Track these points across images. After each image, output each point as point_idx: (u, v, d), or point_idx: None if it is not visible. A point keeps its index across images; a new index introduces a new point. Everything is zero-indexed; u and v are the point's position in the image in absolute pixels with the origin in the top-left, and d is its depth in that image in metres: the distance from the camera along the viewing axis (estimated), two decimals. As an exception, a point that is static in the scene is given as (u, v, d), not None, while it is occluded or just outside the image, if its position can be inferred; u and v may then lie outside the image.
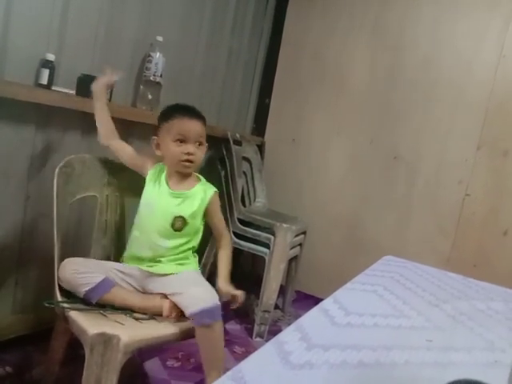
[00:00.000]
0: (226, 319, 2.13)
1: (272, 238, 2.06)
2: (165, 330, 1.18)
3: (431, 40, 2.29)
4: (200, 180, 1.42)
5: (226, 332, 2.01)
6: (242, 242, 2.13)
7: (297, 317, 0.80)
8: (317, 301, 0.88)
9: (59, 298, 1.20)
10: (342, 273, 2.46)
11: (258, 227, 2.13)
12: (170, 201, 1.34)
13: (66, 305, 1.18)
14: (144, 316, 1.21)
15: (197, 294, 1.20)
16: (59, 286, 1.21)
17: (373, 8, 2.43)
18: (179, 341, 1.22)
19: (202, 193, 1.37)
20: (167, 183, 1.36)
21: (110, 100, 1.63)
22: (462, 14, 2.23)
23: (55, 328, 1.27)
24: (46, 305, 1.18)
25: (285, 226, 2.06)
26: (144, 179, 1.40)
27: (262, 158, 2.66)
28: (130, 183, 1.48)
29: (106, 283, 1.22)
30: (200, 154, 1.35)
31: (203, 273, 1.43)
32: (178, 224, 1.33)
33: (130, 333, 1.09)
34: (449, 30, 2.25)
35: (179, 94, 2.10)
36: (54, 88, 1.47)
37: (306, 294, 2.57)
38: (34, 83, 1.46)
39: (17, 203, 1.49)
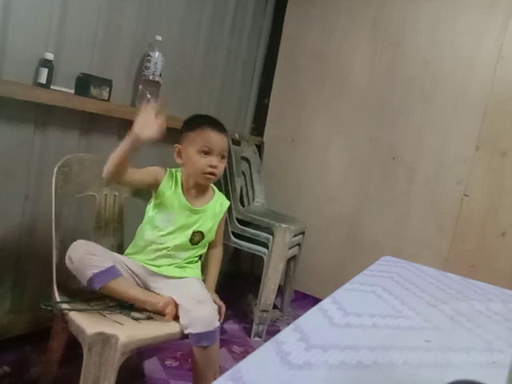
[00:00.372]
0: (224, 319, 2.14)
1: (271, 237, 2.06)
2: (163, 329, 1.17)
3: (431, 38, 2.29)
4: (215, 191, 1.44)
5: (224, 331, 2.02)
6: (240, 242, 2.13)
7: (295, 317, 0.80)
8: (315, 301, 0.88)
9: (57, 297, 1.19)
10: (341, 273, 2.48)
11: (256, 227, 2.13)
12: (190, 217, 1.35)
13: (64, 306, 1.17)
14: (141, 316, 1.20)
15: (198, 315, 1.18)
16: (57, 285, 1.21)
17: (372, 6, 2.43)
18: (177, 340, 1.22)
19: (218, 206, 1.41)
20: (186, 197, 1.35)
21: (108, 99, 1.63)
22: (461, 11, 2.23)
23: (53, 327, 1.27)
24: (43, 307, 1.16)
25: (283, 225, 2.07)
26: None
27: (261, 157, 2.66)
28: (129, 183, 1.48)
29: (114, 270, 1.21)
30: (222, 167, 1.36)
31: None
32: (197, 239, 1.37)
33: (128, 332, 1.09)
34: (448, 28, 2.25)
35: (178, 93, 2.11)
36: (52, 87, 1.46)
37: (305, 293, 2.57)
38: (33, 82, 1.45)
39: (15, 203, 1.49)
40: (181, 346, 1.75)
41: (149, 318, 1.20)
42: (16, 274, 1.54)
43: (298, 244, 2.32)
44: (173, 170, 1.39)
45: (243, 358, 0.58)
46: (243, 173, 2.44)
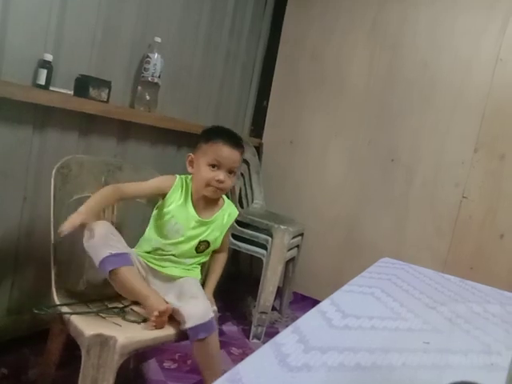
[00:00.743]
0: (223, 321, 2.14)
1: (269, 239, 2.06)
2: (162, 331, 1.17)
3: (429, 40, 2.30)
4: (224, 200, 1.44)
5: (223, 333, 2.01)
6: (239, 244, 2.13)
7: (294, 318, 0.80)
8: (314, 302, 0.88)
9: (56, 299, 1.19)
10: (340, 275, 2.48)
11: (255, 228, 2.13)
12: (198, 228, 1.36)
13: (63, 309, 1.17)
14: (137, 319, 1.19)
15: (191, 310, 1.19)
16: (56, 287, 1.21)
17: (371, 8, 2.44)
18: (176, 342, 1.22)
19: (226, 217, 1.42)
20: (195, 208, 1.35)
21: (107, 101, 1.63)
22: (460, 13, 2.23)
23: (51, 329, 1.27)
24: (36, 312, 1.14)
25: (282, 227, 2.07)
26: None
27: (260, 159, 2.66)
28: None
29: (129, 257, 1.21)
30: (230, 182, 1.35)
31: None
32: (203, 247, 1.38)
33: (126, 334, 1.08)
34: (447, 30, 2.26)
35: (177, 94, 2.11)
36: (51, 88, 1.46)
37: (304, 295, 2.57)
38: (32, 83, 1.45)
39: (14, 204, 1.49)
40: (179, 348, 1.75)
41: (143, 322, 1.18)
42: (14, 275, 1.54)
43: (297, 246, 2.32)
44: (183, 177, 1.38)
45: (242, 359, 0.58)
46: (242, 174, 2.44)
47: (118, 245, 1.19)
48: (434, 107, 2.29)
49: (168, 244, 1.34)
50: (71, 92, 1.53)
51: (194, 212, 1.35)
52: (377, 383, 0.60)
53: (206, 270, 1.46)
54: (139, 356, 1.65)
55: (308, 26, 2.60)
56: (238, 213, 1.46)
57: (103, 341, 1.05)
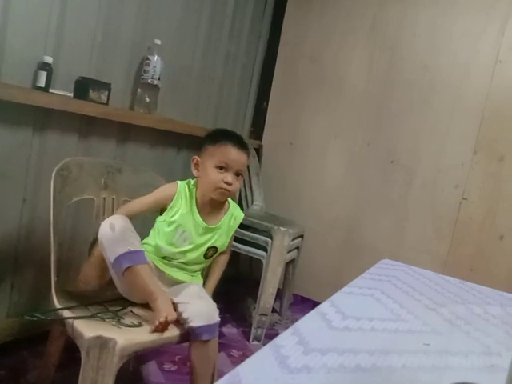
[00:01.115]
0: (222, 323, 2.13)
1: (269, 241, 2.06)
2: (161, 333, 1.17)
3: (428, 42, 2.30)
4: (229, 203, 1.43)
5: (222, 335, 2.01)
6: (239, 245, 2.13)
7: (294, 320, 0.80)
8: (314, 304, 0.88)
9: (56, 302, 1.19)
10: (339, 276, 2.48)
11: (255, 230, 2.13)
12: (205, 236, 1.35)
13: (65, 313, 1.16)
14: (134, 323, 1.18)
15: (198, 309, 1.18)
16: (56, 289, 1.21)
17: (371, 10, 2.44)
18: (176, 344, 1.22)
19: (232, 220, 1.41)
20: (200, 215, 1.34)
21: (107, 103, 1.64)
22: (459, 15, 2.24)
23: (51, 331, 1.27)
24: (27, 318, 1.11)
25: (282, 229, 2.06)
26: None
27: (260, 161, 2.66)
28: (127, 186, 1.48)
29: (145, 256, 1.20)
30: (237, 184, 1.34)
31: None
32: (211, 253, 1.38)
33: (126, 336, 1.08)
34: (446, 32, 2.26)
35: (177, 96, 2.11)
36: (51, 91, 1.46)
37: (304, 297, 2.57)
38: (32, 86, 1.45)
39: (13, 206, 1.49)
40: (179, 350, 1.74)
41: (139, 326, 1.17)
42: (13, 277, 1.54)
43: (297, 247, 2.32)
44: (184, 182, 1.36)
45: (242, 361, 0.58)
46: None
47: (136, 242, 1.19)
48: (434, 109, 2.29)
49: (177, 252, 1.33)
50: (71, 94, 1.54)
51: (201, 219, 1.33)
52: (377, 385, 0.60)
53: (206, 271, 1.46)
54: (139, 358, 1.65)
55: (308, 28, 2.60)
56: (243, 215, 1.45)
57: (103, 343, 1.05)
